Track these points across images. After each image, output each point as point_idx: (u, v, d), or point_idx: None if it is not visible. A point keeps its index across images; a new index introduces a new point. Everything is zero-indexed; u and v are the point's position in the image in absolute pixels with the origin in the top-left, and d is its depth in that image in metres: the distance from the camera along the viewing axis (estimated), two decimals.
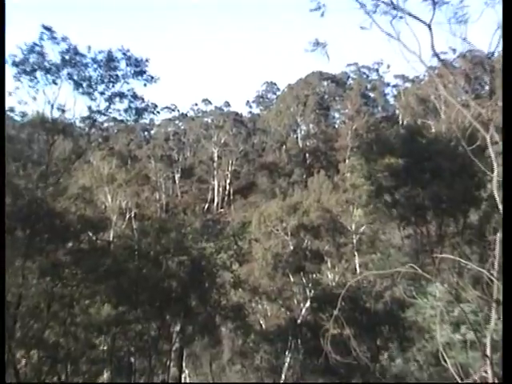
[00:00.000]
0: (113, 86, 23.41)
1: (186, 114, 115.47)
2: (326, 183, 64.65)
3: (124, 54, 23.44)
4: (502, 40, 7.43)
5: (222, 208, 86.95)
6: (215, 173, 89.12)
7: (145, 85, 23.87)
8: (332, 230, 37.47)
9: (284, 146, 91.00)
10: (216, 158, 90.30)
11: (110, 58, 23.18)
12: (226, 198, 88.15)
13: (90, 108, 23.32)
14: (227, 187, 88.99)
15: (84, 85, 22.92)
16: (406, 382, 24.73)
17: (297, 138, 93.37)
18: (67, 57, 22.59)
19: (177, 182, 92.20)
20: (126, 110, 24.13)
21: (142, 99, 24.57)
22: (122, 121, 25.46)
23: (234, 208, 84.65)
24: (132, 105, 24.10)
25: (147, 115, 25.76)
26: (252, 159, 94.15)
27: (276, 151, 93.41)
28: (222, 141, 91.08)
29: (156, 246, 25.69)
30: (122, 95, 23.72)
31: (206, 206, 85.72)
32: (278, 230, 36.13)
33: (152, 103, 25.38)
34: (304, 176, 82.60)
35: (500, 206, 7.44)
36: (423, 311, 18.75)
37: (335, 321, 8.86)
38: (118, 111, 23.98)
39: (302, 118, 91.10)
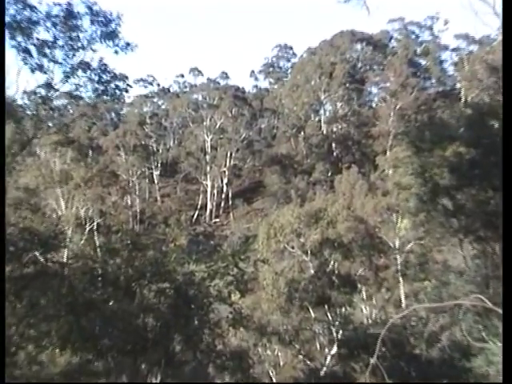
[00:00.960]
0: (73, 55, 23.19)
1: (169, 89, 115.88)
2: (359, 183, 64.74)
3: (89, 8, 23.14)
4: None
5: (217, 217, 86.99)
6: (208, 169, 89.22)
7: (116, 52, 23.63)
8: (368, 247, 37.40)
9: (302, 133, 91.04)
10: (209, 149, 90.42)
11: (70, 14, 22.97)
12: (222, 204, 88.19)
13: (46, 84, 23.12)
14: (224, 189, 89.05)
15: (33, 51, 22.73)
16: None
17: (320, 121, 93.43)
18: (13, 11, 22.34)
19: (156, 181, 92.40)
20: (89, 85, 23.90)
21: (114, 74, 24.34)
22: (80, 97, 25.30)
23: (234, 217, 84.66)
24: (101, 79, 23.86)
25: (114, 90, 25.50)
26: (258, 150, 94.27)
27: (291, 139, 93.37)
28: (218, 125, 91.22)
29: (127, 270, 25.53)
30: (86, 67, 23.47)
31: (196, 215, 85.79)
32: (293, 248, 36.02)
33: (120, 73, 25.16)
34: (329, 173, 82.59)
35: None
36: (496, 360, 18.52)
37: (372, 372, 8.74)
38: (75, 85, 23.79)
39: (327, 94, 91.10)
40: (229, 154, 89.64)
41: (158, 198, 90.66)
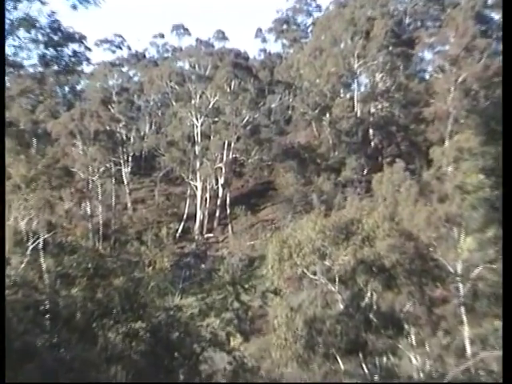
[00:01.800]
0: (14, 7, 23.24)
1: (144, 55, 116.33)
2: (406, 184, 64.48)
3: None
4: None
5: (210, 231, 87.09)
6: (198, 165, 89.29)
7: (74, 7, 23.67)
8: (418, 273, 37.26)
9: (327, 115, 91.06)
10: (199, 137, 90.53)
11: None
12: (217, 213, 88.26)
13: None
14: (220, 192, 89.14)
15: None
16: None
17: (352, 99, 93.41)
18: None
19: (125, 181, 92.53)
20: (33, 49, 23.96)
21: (69, 34, 24.37)
22: (21, 66, 25.39)
23: (234, 231, 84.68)
24: (50, 40, 23.89)
25: (69, 57, 25.59)
26: (267, 139, 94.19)
27: (312, 124, 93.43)
28: (211, 104, 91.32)
29: (86, 304, 25.62)
30: (31, 24, 23.52)
31: (182, 228, 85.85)
32: (315, 274, 35.96)
33: (76, 32, 25.24)
34: (365, 171, 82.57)
35: None
36: None
37: None
38: (13, 47, 23.87)
39: (363, 61, 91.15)
40: (226, 145, 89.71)
41: (129, 205, 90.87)
